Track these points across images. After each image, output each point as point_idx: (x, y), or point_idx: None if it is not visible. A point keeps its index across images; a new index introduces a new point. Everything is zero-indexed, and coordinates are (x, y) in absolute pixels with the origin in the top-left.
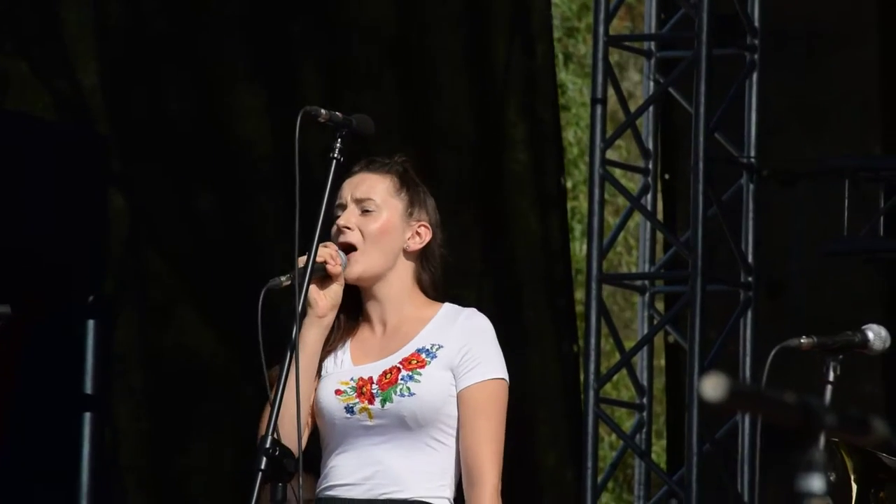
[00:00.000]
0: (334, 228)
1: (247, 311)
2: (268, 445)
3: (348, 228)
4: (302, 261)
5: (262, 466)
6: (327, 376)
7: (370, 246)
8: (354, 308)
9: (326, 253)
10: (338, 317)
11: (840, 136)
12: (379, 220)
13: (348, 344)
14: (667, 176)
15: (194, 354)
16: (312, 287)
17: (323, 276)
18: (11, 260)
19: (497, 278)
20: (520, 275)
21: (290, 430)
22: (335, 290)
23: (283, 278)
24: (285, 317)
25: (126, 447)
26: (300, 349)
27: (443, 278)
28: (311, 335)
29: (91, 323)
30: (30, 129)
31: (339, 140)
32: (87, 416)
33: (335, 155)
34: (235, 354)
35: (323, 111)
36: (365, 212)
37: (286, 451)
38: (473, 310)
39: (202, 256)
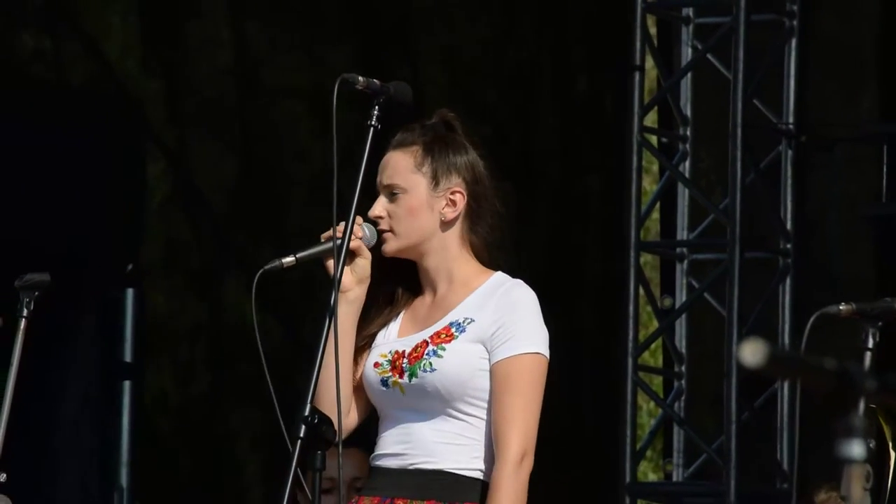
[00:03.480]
0: (359, 218)
1: (285, 277)
2: (306, 413)
3: (380, 218)
4: (325, 236)
5: (301, 434)
6: (375, 348)
7: (401, 226)
8: (412, 280)
9: (343, 229)
10: (396, 290)
11: (878, 101)
12: (404, 203)
13: (401, 315)
14: (664, 140)
15: (234, 320)
16: (333, 263)
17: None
18: (50, 228)
19: (533, 241)
20: (564, 240)
21: (330, 403)
22: (361, 265)
23: (285, 260)
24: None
25: (167, 414)
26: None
27: (497, 237)
28: (340, 312)
29: (130, 291)
30: (66, 99)
31: (377, 108)
32: (127, 384)
33: (372, 122)
34: (275, 321)
35: (360, 78)
36: (392, 195)
37: (325, 419)
38: (517, 282)
39: (241, 224)
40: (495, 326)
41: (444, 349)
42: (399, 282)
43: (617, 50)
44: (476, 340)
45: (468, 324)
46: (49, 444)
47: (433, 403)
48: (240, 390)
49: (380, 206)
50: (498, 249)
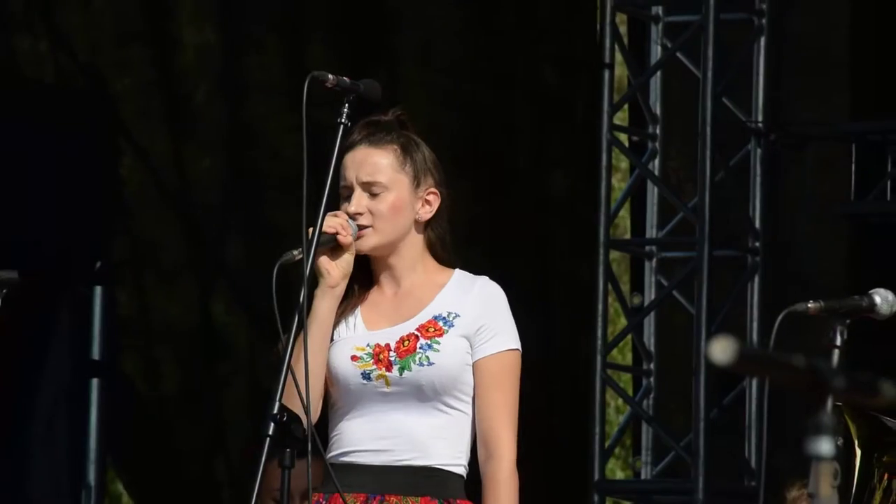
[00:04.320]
0: (343, 213)
1: (256, 274)
2: (275, 411)
3: (359, 214)
4: (312, 231)
5: (270, 432)
6: (340, 341)
7: (381, 223)
8: (366, 274)
9: (337, 223)
10: (351, 284)
11: (848, 100)
12: (388, 200)
13: (359, 309)
14: (634, 138)
15: (203, 318)
16: (324, 258)
17: (334, 247)
18: (19, 226)
19: (503, 238)
20: (527, 236)
21: (310, 397)
22: (346, 260)
23: (295, 252)
24: (298, 288)
25: (134, 413)
26: (313, 320)
27: (451, 239)
28: (324, 306)
29: (98, 289)
30: (35, 95)
31: (347, 105)
32: (95, 381)
33: (342, 120)
34: (246, 318)
35: (330, 76)
36: (373, 192)
37: (294, 416)
38: (487, 278)
39: (212, 221)
40: (480, 322)
41: (438, 343)
42: (353, 275)
43: (587, 47)
44: (462, 335)
45: (454, 318)
46: (21, 442)
47: (421, 397)
48: (211, 388)
49: (360, 203)
50: (451, 247)
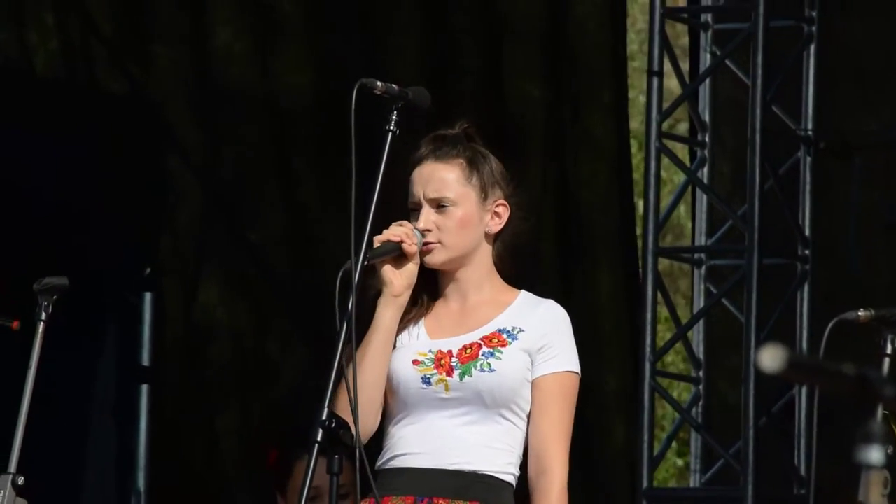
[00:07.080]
0: (407, 223)
1: (298, 288)
2: (324, 417)
3: (428, 231)
4: (378, 239)
5: (318, 438)
6: (402, 348)
7: (450, 238)
8: (432, 286)
9: (402, 231)
10: (418, 294)
11: None
12: (456, 216)
13: (423, 320)
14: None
15: (244, 325)
16: (387, 266)
17: (398, 255)
18: (68, 232)
19: (561, 247)
20: (584, 243)
21: (364, 409)
22: (411, 270)
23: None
24: (366, 298)
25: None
26: (376, 329)
27: (518, 253)
28: (387, 315)
29: (148, 296)
30: (85, 99)
31: (395, 112)
32: (144, 388)
33: (391, 127)
34: (284, 324)
35: (379, 83)
36: (440, 207)
37: (342, 423)
38: (553, 301)
39: (260, 229)
40: (544, 340)
41: (501, 352)
42: (420, 286)
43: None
44: (525, 350)
45: (518, 332)
46: (69, 448)
47: (479, 404)
48: (231, 386)
49: (427, 219)
50: (517, 259)
